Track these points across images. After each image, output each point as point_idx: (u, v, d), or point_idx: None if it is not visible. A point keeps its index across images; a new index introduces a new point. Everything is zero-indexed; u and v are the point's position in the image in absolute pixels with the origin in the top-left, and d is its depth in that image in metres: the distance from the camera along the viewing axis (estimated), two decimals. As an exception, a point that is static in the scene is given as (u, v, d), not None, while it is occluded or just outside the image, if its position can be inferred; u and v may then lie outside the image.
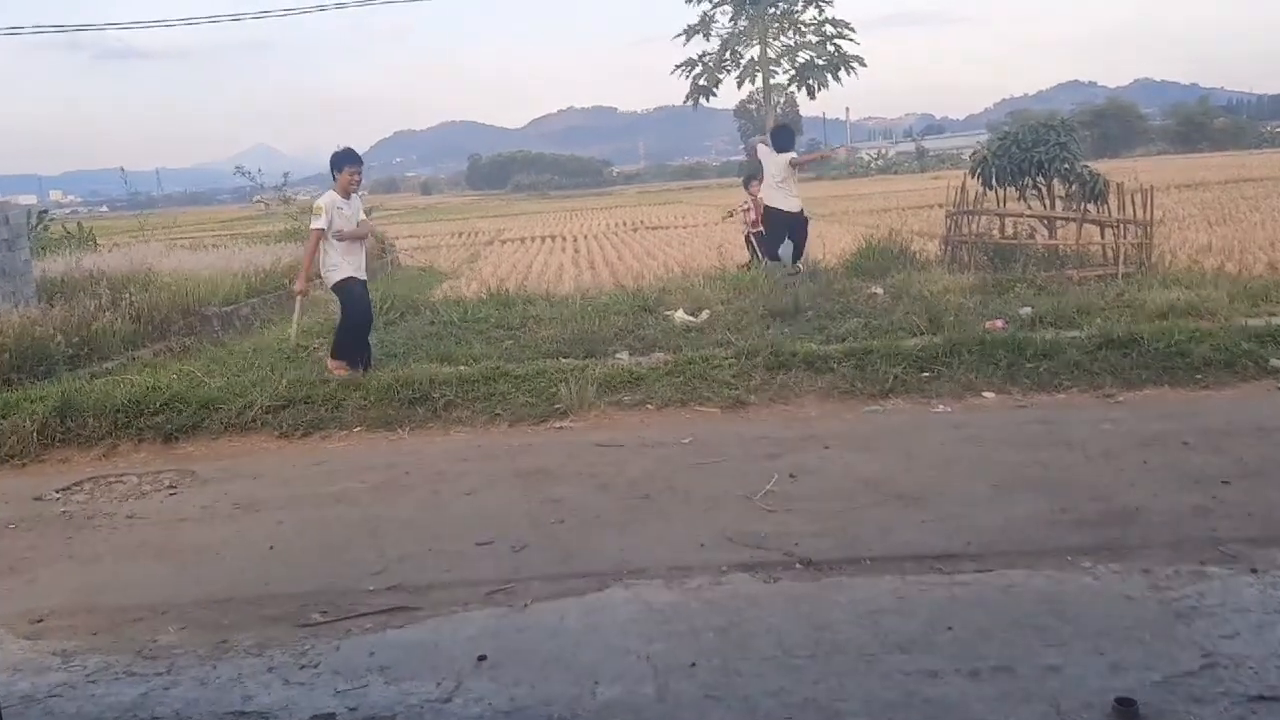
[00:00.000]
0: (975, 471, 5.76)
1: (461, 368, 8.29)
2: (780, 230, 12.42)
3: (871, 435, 6.70)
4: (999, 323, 8.80)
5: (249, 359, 9.29)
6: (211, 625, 4.30)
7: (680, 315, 9.86)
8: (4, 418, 7.53)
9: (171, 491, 6.45)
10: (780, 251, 12.31)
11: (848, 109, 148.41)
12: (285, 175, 15.11)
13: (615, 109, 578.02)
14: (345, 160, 8.58)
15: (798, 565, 4.53)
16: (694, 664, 3.58)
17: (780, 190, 11.99)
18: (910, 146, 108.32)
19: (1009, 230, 12.15)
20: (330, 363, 8.59)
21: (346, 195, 8.58)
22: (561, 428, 7.33)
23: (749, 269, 12.50)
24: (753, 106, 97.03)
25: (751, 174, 13.86)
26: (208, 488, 6.47)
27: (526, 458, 6.61)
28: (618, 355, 8.65)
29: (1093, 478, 5.52)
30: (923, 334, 8.62)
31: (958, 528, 4.86)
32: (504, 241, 35.47)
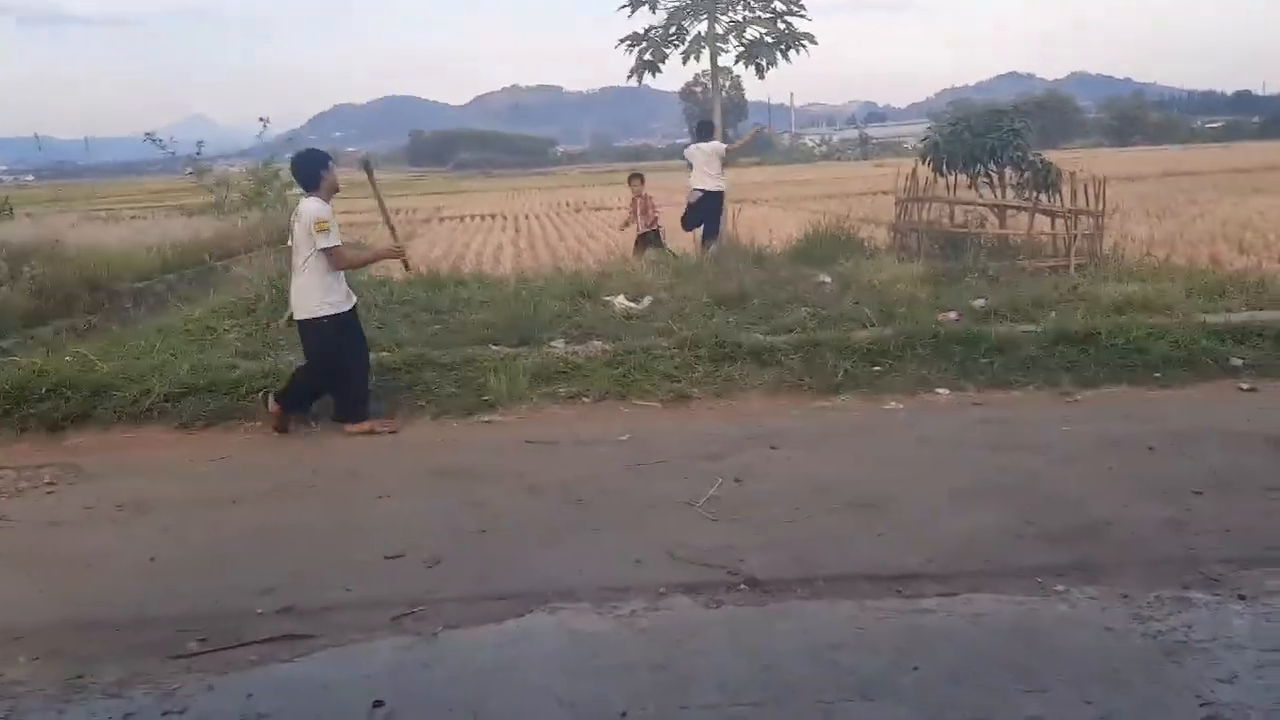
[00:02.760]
0: (933, 476, 5.35)
1: (383, 355, 7.70)
2: (715, 210, 12.57)
3: (821, 434, 6.27)
4: (952, 315, 8.43)
5: (152, 340, 8.58)
6: (70, 655, 3.71)
7: (620, 301, 9.35)
8: None
9: (50, 489, 5.80)
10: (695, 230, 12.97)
11: (792, 94, 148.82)
12: (199, 145, 14.26)
13: (561, 88, 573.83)
14: (326, 158, 6.93)
15: (743, 586, 4.07)
16: (624, 713, 3.10)
17: (709, 176, 12.47)
18: (853, 133, 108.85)
19: (959, 219, 11.82)
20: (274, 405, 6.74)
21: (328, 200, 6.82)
22: (490, 422, 6.80)
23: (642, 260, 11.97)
24: (698, 89, 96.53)
25: (636, 174, 13.83)
26: (92, 486, 5.83)
27: (450, 456, 6.07)
28: (553, 344, 8.12)
29: (1056, 485, 5.14)
30: (873, 325, 8.21)
31: (917, 542, 4.43)
32: (443, 219, 34.71)
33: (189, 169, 16.47)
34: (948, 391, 7.12)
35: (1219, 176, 34.08)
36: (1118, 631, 3.52)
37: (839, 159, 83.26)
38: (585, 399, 7.08)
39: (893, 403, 6.93)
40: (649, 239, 13.03)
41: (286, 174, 17.30)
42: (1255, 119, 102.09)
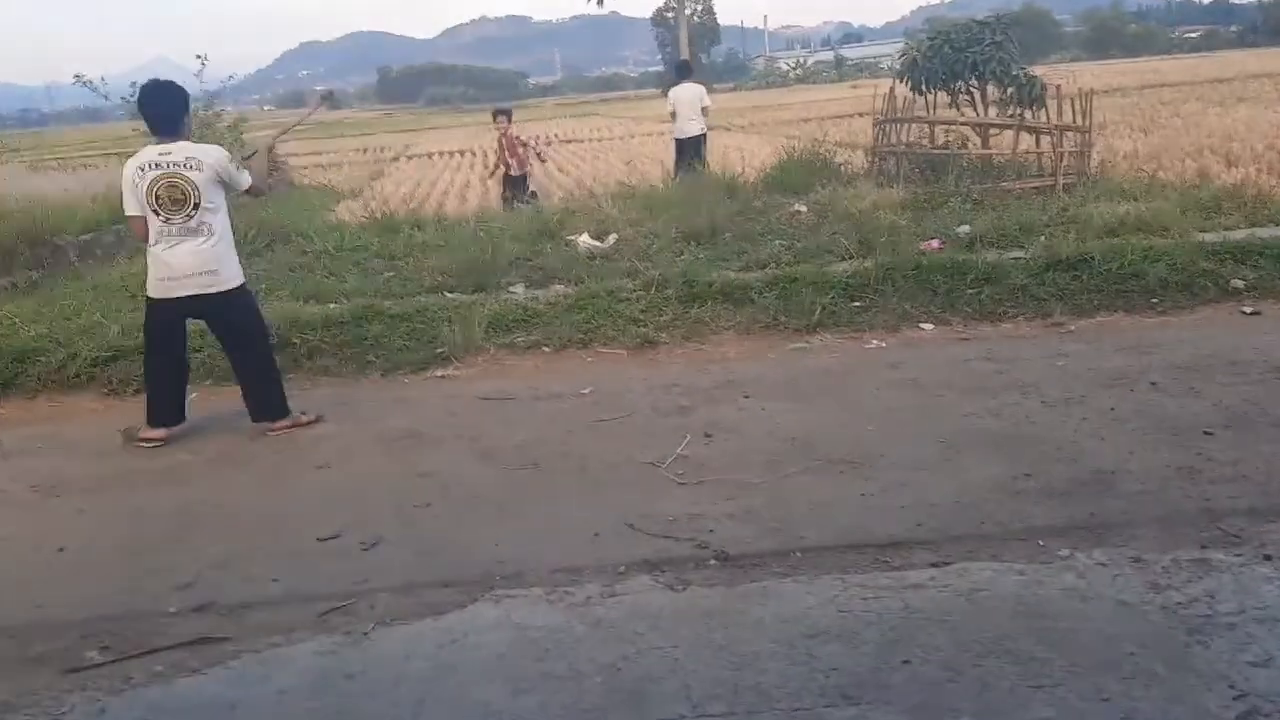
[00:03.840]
0: (919, 424, 4.93)
1: (331, 306, 7.19)
2: (697, 149, 12.92)
3: (798, 379, 5.83)
4: (935, 243, 7.96)
5: (85, 299, 8.02)
6: (-51, 673, 3.27)
7: (584, 240, 8.84)
8: None
9: (-40, 470, 5.31)
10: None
11: (765, 17, 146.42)
12: (133, 86, 13.47)
13: (530, 18, 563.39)
14: (189, 96, 5.72)
15: (713, 561, 3.65)
16: (571, 731, 2.69)
17: (691, 121, 13.00)
18: (828, 55, 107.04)
19: (940, 140, 11.27)
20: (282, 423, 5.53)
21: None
22: (443, 377, 6.33)
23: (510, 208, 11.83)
24: (670, 14, 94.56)
25: (501, 110, 13.05)
26: (7, 463, 5.34)
27: (397, 416, 5.61)
28: (512, 289, 7.62)
29: (1054, 430, 4.72)
30: (852, 258, 7.75)
31: (905, 503, 4.02)
32: (410, 158, 33.82)
33: (133, 115, 15.67)
34: (932, 326, 6.69)
35: (1201, 87, 33.36)
36: (1133, 606, 3.11)
37: (814, 82, 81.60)
38: (546, 348, 6.61)
39: (874, 341, 6.49)
40: (515, 184, 12.52)
41: (231, 117, 16.57)
42: (1233, 27, 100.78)
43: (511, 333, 6.80)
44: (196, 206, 5.26)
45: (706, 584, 3.48)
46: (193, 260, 5.29)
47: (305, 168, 26.34)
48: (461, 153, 33.88)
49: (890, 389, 5.54)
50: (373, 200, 15.41)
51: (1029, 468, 4.28)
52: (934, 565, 3.50)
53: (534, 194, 12.55)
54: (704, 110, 13.04)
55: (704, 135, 13.07)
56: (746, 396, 5.54)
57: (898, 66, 11.92)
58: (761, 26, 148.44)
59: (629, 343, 6.58)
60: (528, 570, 3.66)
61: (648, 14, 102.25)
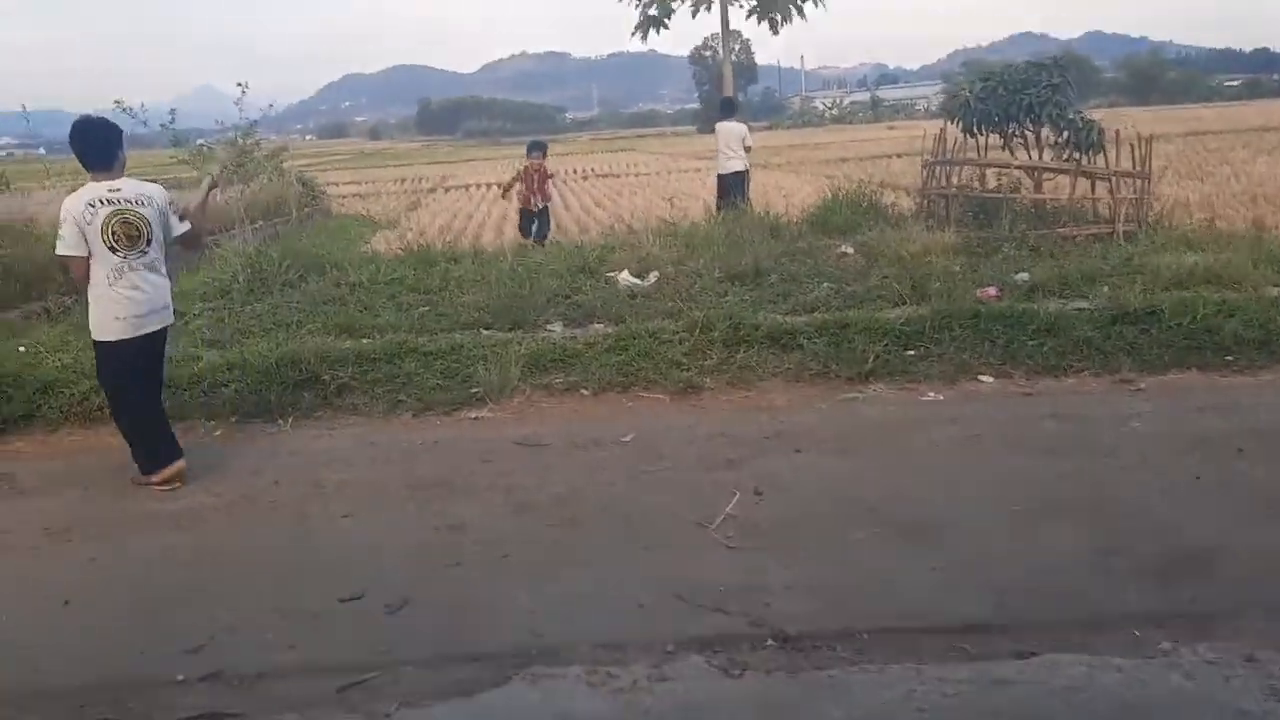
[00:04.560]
0: (987, 488, 4.58)
1: (363, 341, 6.94)
2: (739, 186, 12.78)
3: (852, 432, 5.49)
4: (992, 291, 7.62)
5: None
6: (-65, 745, 2.99)
7: (625, 278, 8.56)
8: None
9: (-27, 507, 5.07)
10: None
11: (802, 57, 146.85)
12: (172, 113, 13.46)
13: (569, 55, 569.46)
14: (121, 133, 5.46)
15: (771, 642, 3.31)
16: None
17: (733, 157, 12.87)
18: (864, 96, 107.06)
19: (991, 183, 10.94)
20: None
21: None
22: (477, 419, 6.04)
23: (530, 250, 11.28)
24: (708, 53, 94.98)
25: (538, 143, 12.95)
26: (21, 502, 5.10)
27: (428, 462, 5.32)
28: (549, 327, 7.34)
29: (1137, 499, 4.36)
30: (905, 303, 7.42)
31: (980, 580, 3.67)
32: (448, 189, 33.89)
33: (200, 141, 15.77)
34: (992, 379, 6.33)
35: (1246, 135, 32.80)
36: (1254, 717, 2.74)
37: (850, 122, 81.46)
38: (584, 390, 6.32)
39: (931, 393, 6.14)
40: (534, 217, 12.47)
41: (270, 146, 16.55)
42: (1276, 76, 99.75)
43: (548, 373, 6.52)
44: (149, 241, 5.11)
45: (765, 669, 3.15)
46: (154, 295, 5.17)
47: (344, 197, 26.42)
48: (498, 184, 33.94)
49: (952, 446, 5.19)
50: (409, 231, 15.29)
51: (1114, 542, 3.91)
52: (1018, 656, 3.15)
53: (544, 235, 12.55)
54: (746, 148, 12.84)
55: (746, 172, 12.86)
56: (798, 450, 5.21)
57: (948, 107, 11.62)
58: (798, 67, 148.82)
59: (671, 387, 6.28)
60: (567, 645, 3.33)
61: (685, 52, 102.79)
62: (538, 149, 12.56)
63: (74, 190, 5.39)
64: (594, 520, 4.44)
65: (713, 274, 8.49)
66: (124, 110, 11.20)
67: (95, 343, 5.22)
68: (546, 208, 12.76)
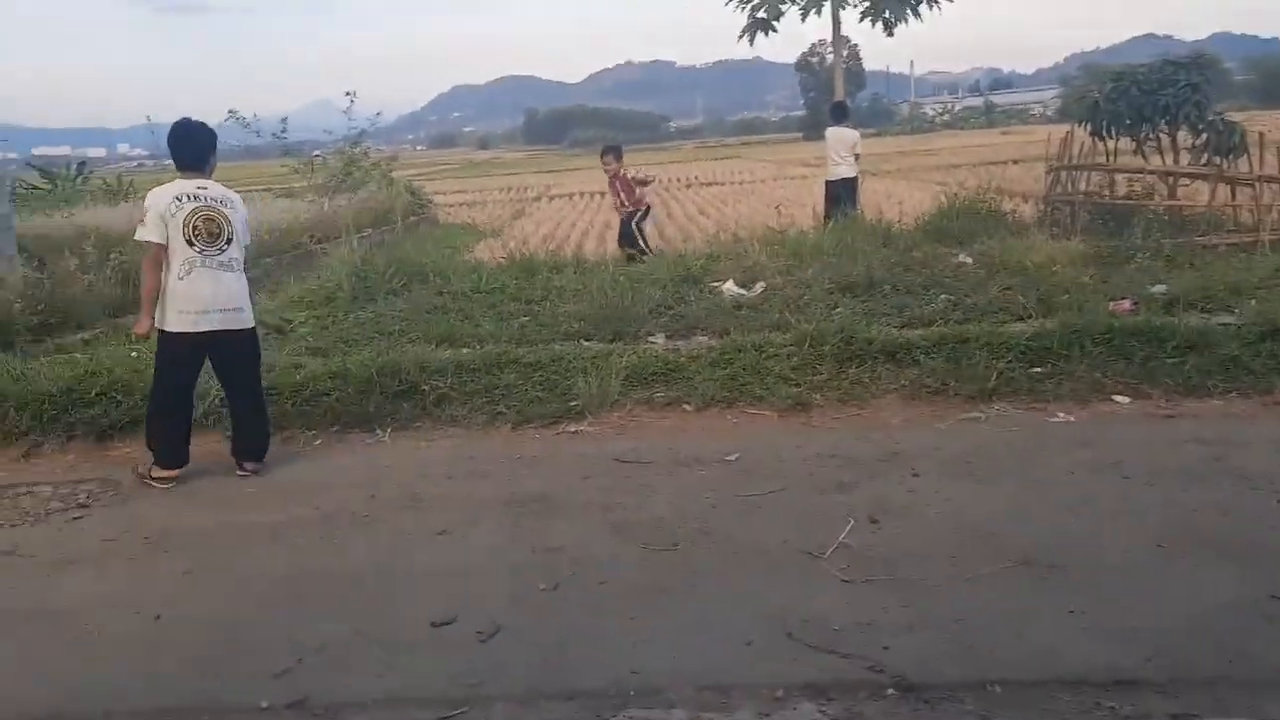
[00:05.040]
0: (1128, 520, 4.18)
1: (463, 352, 6.83)
2: (848, 193, 12.42)
3: (974, 455, 5.12)
4: (1126, 303, 7.12)
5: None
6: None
7: (730, 288, 8.30)
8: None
9: (80, 513, 5.09)
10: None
11: (912, 63, 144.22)
12: (283, 122, 13.74)
13: (673, 64, 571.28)
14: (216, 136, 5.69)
15: (891, 691, 3.01)
16: None
17: (842, 164, 12.59)
18: (977, 101, 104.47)
19: (1122, 189, 10.33)
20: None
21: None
22: (576, 432, 5.86)
23: (631, 260, 10.39)
24: (814, 60, 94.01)
25: (610, 147, 11.82)
26: (125, 508, 5.11)
27: (527, 477, 5.15)
28: (651, 338, 7.13)
29: (1304, 538, 3.91)
30: (1030, 317, 6.98)
31: (1126, 626, 3.30)
32: (553, 197, 34.10)
33: (316, 152, 16.24)
34: (1128, 399, 5.87)
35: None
36: None
37: (962, 128, 79.52)
38: (687, 406, 6.08)
39: (1060, 414, 5.72)
40: (630, 227, 11.48)
41: (378, 155, 16.78)
42: None
43: (650, 387, 6.30)
44: (229, 241, 5.31)
45: (886, 722, 2.85)
46: (223, 294, 5.29)
47: (451, 206, 26.76)
48: (602, 194, 33.84)
49: (1086, 473, 4.78)
50: (512, 240, 15.30)
51: (1278, 587, 3.49)
52: (1174, 718, 2.78)
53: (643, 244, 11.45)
54: (856, 155, 12.47)
55: (856, 179, 12.48)
56: (916, 474, 4.87)
57: (1075, 109, 11.03)
58: (907, 72, 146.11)
59: (779, 403, 5.99)
60: (668, 684, 3.10)
61: (791, 59, 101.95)
62: (610, 152, 11.69)
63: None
64: (697, 545, 4.19)
65: (822, 284, 8.17)
66: (237, 120, 11.46)
67: (158, 331, 5.32)
68: (634, 215, 11.56)
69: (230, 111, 11.51)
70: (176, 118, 5.69)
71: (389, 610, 3.76)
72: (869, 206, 12.82)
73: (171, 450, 5.41)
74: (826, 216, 11.93)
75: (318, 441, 5.99)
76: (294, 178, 18.75)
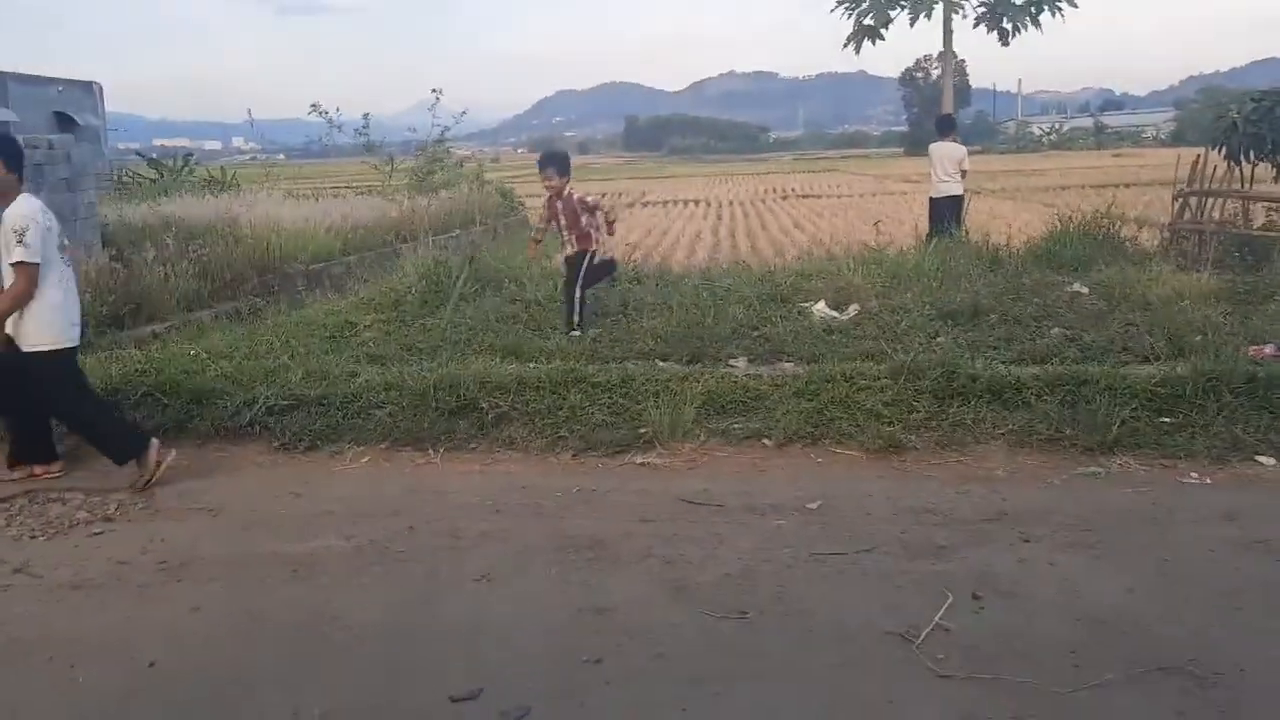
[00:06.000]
0: (1289, 619, 3.48)
1: (529, 367, 6.36)
2: (953, 211, 11.61)
3: (1096, 520, 4.44)
4: (1268, 349, 6.32)
5: (283, 335, 7.57)
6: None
7: (821, 309, 7.69)
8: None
9: (103, 527, 4.74)
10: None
11: (1019, 81, 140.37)
12: (366, 118, 13.49)
13: (776, 74, 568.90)
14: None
15: (1000, 842, 2.40)
16: None
17: (948, 181, 11.69)
18: (1086, 122, 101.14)
19: (1259, 219, 9.40)
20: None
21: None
22: (643, 464, 5.33)
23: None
24: (919, 75, 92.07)
25: (552, 157, 8.08)
26: (148, 525, 4.73)
27: (582, 515, 4.64)
28: (732, 362, 6.56)
29: None
30: (1157, 359, 6.23)
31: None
32: (646, 204, 33.77)
33: (418, 150, 16.16)
34: (1273, 462, 5.10)
35: None
36: None
37: (1070, 148, 76.88)
38: (766, 440, 5.50)
39: (1194, 474, 4.99)
40: (576, 266, 7.50)
41: (458, 155, 16.52)
42: None
43: (727, 416, 5.74)
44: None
45: None
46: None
47: (539, 209, 26.51)
48: (696, 202, 33.54)
49: (1230, 553, 4.07)
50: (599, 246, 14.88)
51: None
52: None
53: (612, 279, 8.28)
54: (963, 171, 11.71)
55: (962, 197, 11.71)
56: (1026, 540, 4.22)
57: (1210, 132, 10.12)
58: (1014, 90, 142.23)
59: (869, 443, 5.37)
60: (719, 807, 2.53)
61: (895, 73, 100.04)
62: (551, 165, 7.71)
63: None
64: (768, 615, 3.61)
65: (922, 310, 7.50)
66: (321, 114, 11.26)
67: (50, 351, 5.12)
68: (587, 253, 7.52)
69: (313, 106, 11.30)
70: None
71: (407, 676, 3.27)
72: (974, 226, 12.01)
73: (134, 438, 5.32)
74: (929, 235, 11.20)
75: (365, 459, 5.57)
76: (375, 176, 18.67)
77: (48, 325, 5.07)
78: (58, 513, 4.99)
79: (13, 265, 4.91)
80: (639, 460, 5.38)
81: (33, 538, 4.65)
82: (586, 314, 7.48)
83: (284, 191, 21.01)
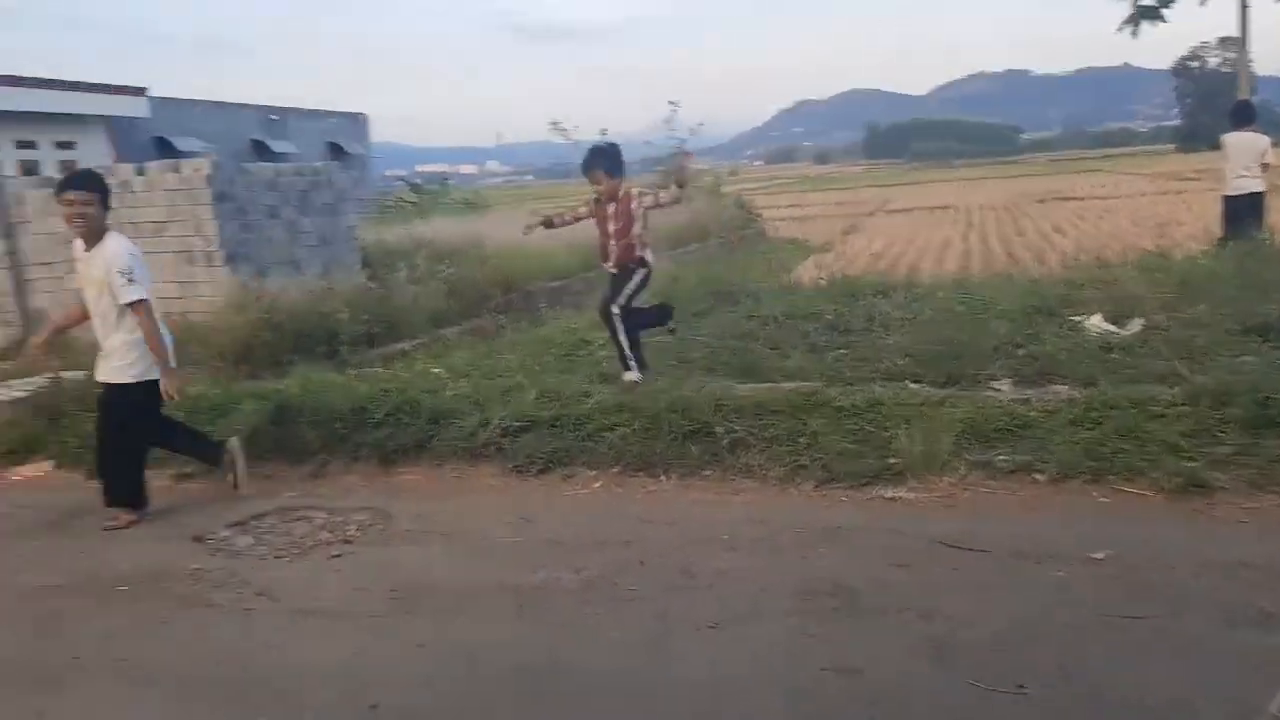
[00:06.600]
0: None
1: (767, 388, 5.96)
2: (1253, 211, 10.15)
3: None
4: None
5: (521, 354, 7.54)
6: None
7: (1097, 323, 6.85)
8: (221, 419, 6.25)
9: (341, 550, 4.75)
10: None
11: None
12: (602, 132, 13.52)
13: (1029, 72, 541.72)
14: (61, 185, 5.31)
15: None
16: None
17: (1248, 176, 10.14)
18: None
19: None
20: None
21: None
22: (893, 499, 4.81)
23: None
24: (1194, 64, 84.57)
25: (600, 153, 6.46)
26: (384, 550, 4.70)
27: (826, 556, 4.19)
28: (994, 384, 5.90)
29: None
30: None
31: None
32: (889, 212, 32.72)
33: (659, 166, 16.34)
34: None
35: None
36: None
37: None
38: (1038, 475, 4.83)
39: None
40: (618, 284, 6.43)
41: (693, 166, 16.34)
42: None
43: (990, 447, 5.11)
44: None
45: None
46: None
47: (780, 220, 26.09)
48: (944, 208, 32.10)
49: None
50: (840, 257, 14.29)
51: None
52: None
53: (671, 328, 6.99)
54: (1264, 165, 10.30)
55: (1263, 194, 10.30)
56: (1379, 609, 3.41)
57: None
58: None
59: (1165, 481, 4.61)
60: None
61: (1165, 64, 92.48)
62: (598, 162, 6.38)
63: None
64: (1051, 690, 3.04)
65: (1221, 324, 6.52)
66: (560, 133, 11.36)
67: (145, 382, 5.26)
68: (628, 274, 6.42)
69: (552, 124, 11.46)
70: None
71: (628, 737, 2.95)
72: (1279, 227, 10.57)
73: (141, 490, 5.42)
74: (1224, 238, 9.93)
75: (597, 484, 5.36)
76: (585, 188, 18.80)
77: (140, 357, 5.21)
78: (302, 532, 5.07)
79: (127, 305, 5.09)
80: (888, 494, 4.87)
81: (277, 558, 4.71)
82: (639, 349, 6.35)
83: (529, 211, 21.69)
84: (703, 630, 3.61)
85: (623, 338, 6.27)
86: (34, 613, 4.22)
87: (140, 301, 5.09)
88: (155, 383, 5.24)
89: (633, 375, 6.12)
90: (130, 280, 5.04)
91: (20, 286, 10.28)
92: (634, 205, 6.29)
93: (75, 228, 5.10)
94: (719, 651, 3.45)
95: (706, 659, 3.41)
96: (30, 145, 19.82)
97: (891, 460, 5.05)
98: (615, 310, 6.23)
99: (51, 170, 17.92)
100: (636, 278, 6.37)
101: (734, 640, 3.52)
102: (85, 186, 5.12)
